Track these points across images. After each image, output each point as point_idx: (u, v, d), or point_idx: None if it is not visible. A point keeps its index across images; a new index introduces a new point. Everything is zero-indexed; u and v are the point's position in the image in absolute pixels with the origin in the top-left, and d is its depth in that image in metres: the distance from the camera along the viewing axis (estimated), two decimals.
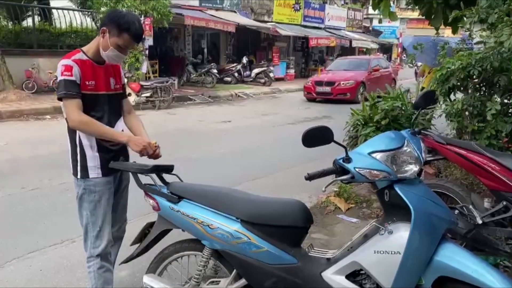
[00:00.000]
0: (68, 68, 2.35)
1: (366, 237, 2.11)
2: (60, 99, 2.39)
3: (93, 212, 2.50)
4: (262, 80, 19.31)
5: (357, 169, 2.00)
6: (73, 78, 2.35)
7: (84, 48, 2.50)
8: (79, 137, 2.46)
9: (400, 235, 1.97)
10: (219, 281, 2.38)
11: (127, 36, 2.41)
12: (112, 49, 2.41)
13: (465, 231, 2.71)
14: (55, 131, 8.17)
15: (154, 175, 2.45)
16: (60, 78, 2.36)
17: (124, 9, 12.27)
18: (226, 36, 21.32)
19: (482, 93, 4.29)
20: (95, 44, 2.47)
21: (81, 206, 2.53)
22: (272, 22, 21.47)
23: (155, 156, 2.50)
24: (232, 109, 13.13)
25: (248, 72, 19.82)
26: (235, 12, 20.16)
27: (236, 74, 19.44)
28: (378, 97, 5.26)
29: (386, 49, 39.96)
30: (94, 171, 2.48)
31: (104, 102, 2.48)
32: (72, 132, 2.49)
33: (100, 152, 2.48)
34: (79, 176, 2.49)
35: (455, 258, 1.93)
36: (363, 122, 4.99)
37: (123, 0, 12.69)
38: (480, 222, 2.86)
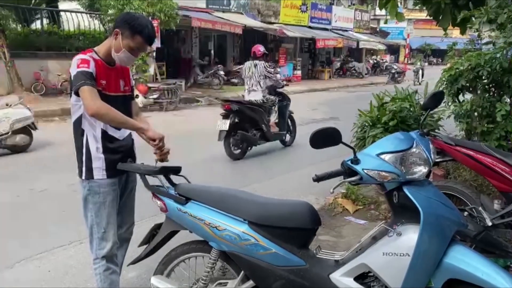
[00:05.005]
0: (85, 61, 2.36)
1: (374, 239, 2.10)
2: (76, 92, 2.35)
3: (98, 213, 2.50)
4: None
5: (365, 171, 1.99)
6: (90, 70, 2.35)
7: (95, 49, 2.51)
8: (86, 138, 2.47)
9: (409, 237, 1.95)
10: (227, 282, 2.38)
11: (140, 39, 2.43)
12: (124, 51, 2.43)
13: (474, 233, 2.68)
14: (63, 133, 8.19)
15: (161, 177, 2.45)
16: (76, 70, 2.34)
17: (133, 12, 12.33)
18: (233, 38, 21.34)
19: (491, 94, 4.26)
20: (106, 46, 2.49)
21: (86, 207, 2.54)
22: (279, 23, 21.46)
23: (163, 159, 2.51)
24: None
25: None
26: (242, 13, 20.18)
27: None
28: None
29: (393, 50, 39.82)
30: (99, 173, 2.48)
31: (113, 104, 2.47)
32: (78, 133, 2.49)
33: (106, 153, 2.48)
34: (83, 177, 2.50)
35: (465, 260, 1.92)
36: (370, 123, 4.96)
37: (131, 2, 12.74)
38: (489, 224, 2.83)
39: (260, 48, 7.86)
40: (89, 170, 2.47)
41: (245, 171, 6.29)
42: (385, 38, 34.43)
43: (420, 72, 23.15)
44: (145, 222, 3.71)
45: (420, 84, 19.59)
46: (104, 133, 2.47)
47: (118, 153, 2.53)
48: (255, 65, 7.50)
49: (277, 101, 7.74)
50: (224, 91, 16.59)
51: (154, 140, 2.44)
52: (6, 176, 5.79)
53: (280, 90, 7.95)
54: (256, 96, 7.38)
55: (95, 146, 2.47)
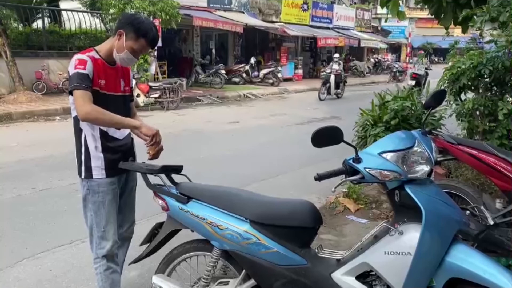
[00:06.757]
0: (82, 62, 2.35)
1: (376, 238, 2.09)
2: (71, 92, 2.35)
3: (97, 213, 2.50)
4: (270, 81, 19.29)
5: (367, 170, 1.99)
6: (86, 71, 2.34)
7: (97, 48, 2.51)
8: (85, 136, 2.46)
9: (410, 236, 1.95)
10: (228, 281, 2.38)
11: (143, 42, 2.43)
12: (127, 52, 2.43)
13: (476, 232, 2.68)
14: (65, 132, 8.20)
15: (163, 176, 2.45)
16: (73, 71, 2.34)
17: (133, 11, 12.32)
18: (234, 37, 21.34)
19: (493, 92, 4.25)
20: (108, 45, 2.48)
21: (85, 206, 2.54)
22: (280, 22, 21.45)
23: (155, 155, 2.50)
24: (240, 110, 13.13)
25: (256, 73, 19.82)
26: (243, 12, 20.17)
27: (244, 75, 19.46)
28: None
29: (395, 49, 39.77)
30: (98, 172, 2.47)
31: (112, 103, 2.48)
32: (78, 131, 2.49)
33: (105, 152, 2.48)
34: (83, 176, 2.50)
35: (467, 259, 1.91)
36: (372, 122, 4.96)
37: (132, 1, 12.74)
38: (491, 223, 2.83)
39: (423, 51, 15.39)
40: (88, 169, 2.47)
41: (246, 170, 6.29)
42: (386, 37, 34.38)
43: (333, 81, 15.08)
44: (146, 221, 3.72)
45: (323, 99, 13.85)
46: (103, 133, 2.47)
47: (118, 153, 2.52)
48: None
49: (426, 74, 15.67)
50: (226, 90, 16.59)
51: (150, 136, 2.43)
52: (8, 175, 5.80)
53: (427, 70, 16.25)
54: (422, 72, 15.67)
55: (93, 145, 2.46)
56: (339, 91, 16.16)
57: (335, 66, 16.09)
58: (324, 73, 16.35)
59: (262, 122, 10.78)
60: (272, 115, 11.93)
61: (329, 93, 15.60)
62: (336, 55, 17.46)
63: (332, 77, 15.67)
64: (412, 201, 1.96)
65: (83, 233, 3.79)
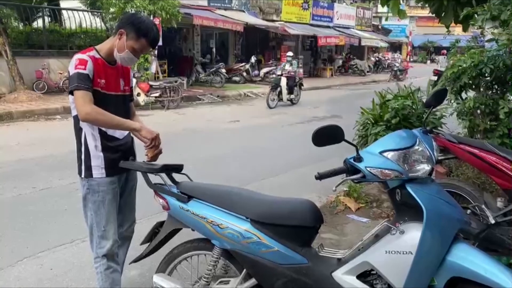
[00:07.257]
0: (83, 62, 2.35)
1: (377, 237, 2.09)
2: (71, 92, 2.35)
3: (97, 212, 2.50)
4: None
5: (368, 169, 1.98)
6: (86, 72, 2.34)
7: (97, 47, 2.50)
8: (85, 136, 2.46)
9: (412, 235, 1.94)
10: (229, 280, 2.38)
11: (144, 41, 2.43)
12: (127, 51, 2.43)
13: (477, 231, 2.67)
14: (65, 131, 8.21)
15: (163, 175, 2.45)
16: (73, 71, 2.34)
17: (134, 10, 12.32)
18: (234, 36, 21.33)
19: (494, 91, 4.25)
20: (109, 44, 2.48)
21: (85, 206, 2.54)
22: (280, 21, 21.44)
23: (153, 158, 2.50)
24: (241, 109, 13.13)
25: (256, 72, 19.82)
26: (243, 11, 20.17)
27: (244, 74, 19.45)
28: None
29: (395, 47, 39.74)
30: (98, 171, 2.47)
31: (112, 103, 2.47)
32: (78, 131, 2.49)
33: (105, 151, 2.47)
34: (83, 176, 2.49)
35: (468, 258, 1.91)
36: (373, 121, 4.96)
37: (132, 0, 12.73)
38: (492, 221, 2.82)
39: (445, 51, 16.33)
40: (88, 169, 2.47)
41: (246, 169, 6.29)
42: (387, 36, 34.34)
43: (284, 85, 12.83)
44: (146, 220, 3.71)
45: None
46: (103, 132, 2.47)
47: (118, 152, 2.52)
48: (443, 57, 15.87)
49: None
50: (226, 89, 16.58)
51: (150, 139, 2.43)
52: (8, 174, 5.80)
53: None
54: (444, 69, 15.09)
55: (93, 144, 2.46)
56: (293, 96, 13.43)
57: (287, 67, 13.40)
58: (274, 75, 13.75)
59: (262, 121, 10.78)
60: (272, 114, 11.92)
61: (280, 99, 13.02)
62: (289, 53, 14.68)
63: (284, 80, 12.95)
64: (413, 200, 1.95)
65: (83, 232, 3.78)
